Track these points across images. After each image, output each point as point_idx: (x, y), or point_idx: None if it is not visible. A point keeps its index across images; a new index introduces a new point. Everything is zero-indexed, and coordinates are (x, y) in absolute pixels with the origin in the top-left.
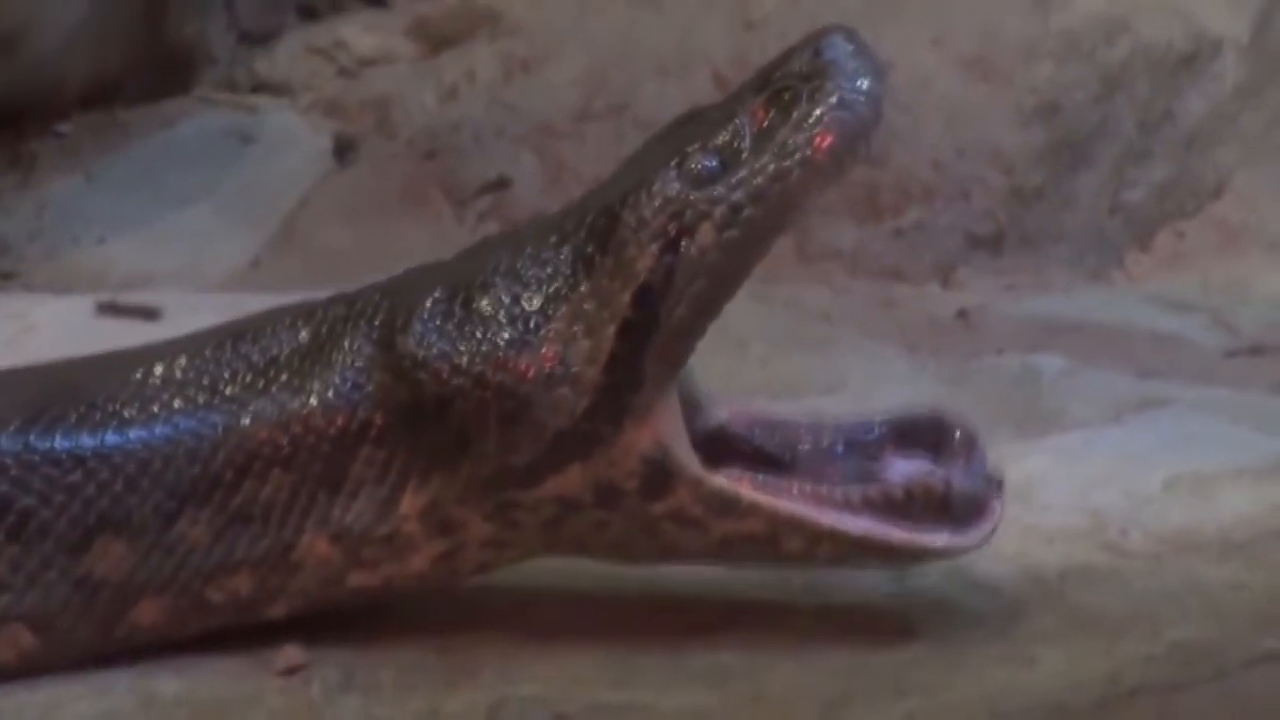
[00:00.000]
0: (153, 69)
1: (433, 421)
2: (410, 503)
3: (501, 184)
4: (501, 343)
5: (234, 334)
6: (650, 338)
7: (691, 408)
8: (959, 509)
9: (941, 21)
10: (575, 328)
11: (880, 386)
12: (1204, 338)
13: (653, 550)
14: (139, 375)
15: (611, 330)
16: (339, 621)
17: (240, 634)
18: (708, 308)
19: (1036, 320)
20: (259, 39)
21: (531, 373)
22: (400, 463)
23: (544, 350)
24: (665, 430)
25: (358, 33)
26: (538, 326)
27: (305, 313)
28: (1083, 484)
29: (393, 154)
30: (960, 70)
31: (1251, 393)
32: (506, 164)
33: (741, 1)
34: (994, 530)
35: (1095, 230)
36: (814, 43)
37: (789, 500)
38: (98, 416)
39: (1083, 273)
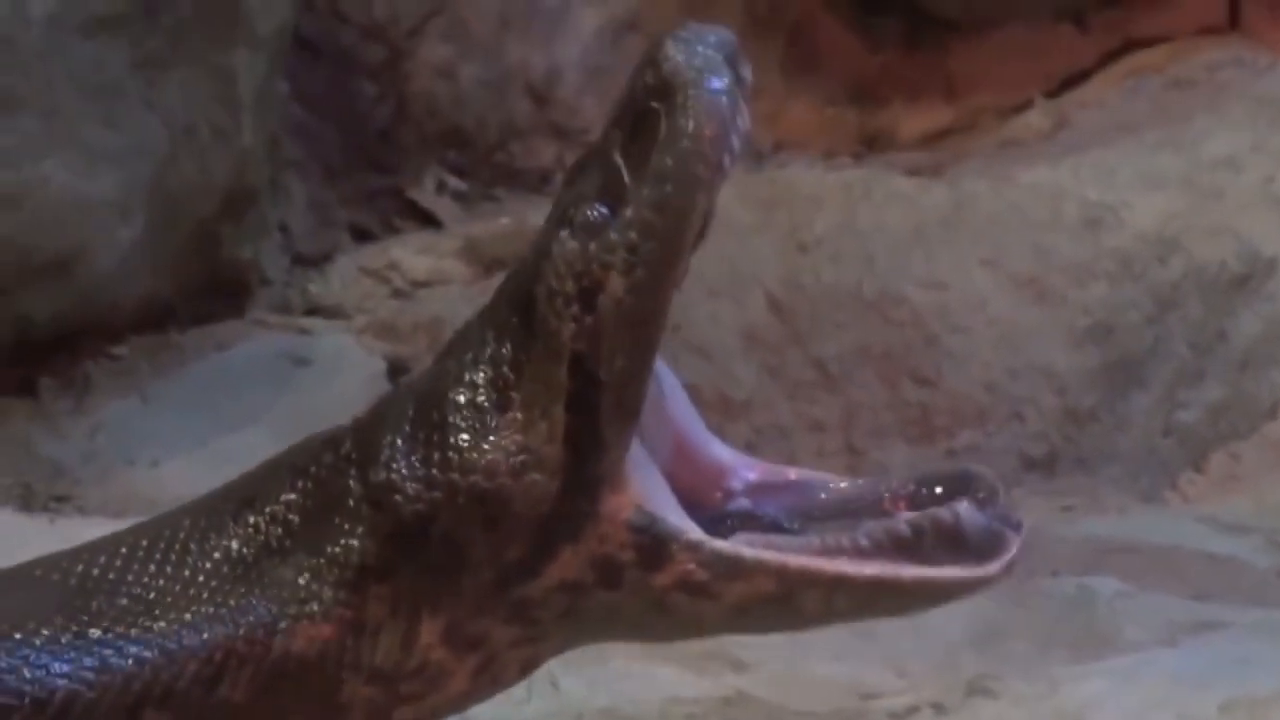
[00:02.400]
0: (207, 292)
1: (421, 543)
2: (429, 630)
3: None
4: (464, 448)
5: (240, 500)
6: (598, 400)
7: (716, 476)
8: (973, 542)
9: (994, 242)
10: (529, 414)
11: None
12: (1259, 560)
13: (675, 628)
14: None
15: (560, 407)
16: None
17: None
18: (641, 352)
19: (1091, 541)
20: (312, 261)
21: (499, 468)
22: (407, 592)
23: (505, 444)
24: (646, 495)
25: (410, 255)
26: (494, 424)
27: (296, 468)
28: (1138, 707)
29: None
30: (1013, 291)
31: None
32: None
33: (793, 224)
34: (1013, 564)
35: (1149, 451)
36: (653, 59)
37: (794, 555)
38: (136, 592)
39: (1137, 494)
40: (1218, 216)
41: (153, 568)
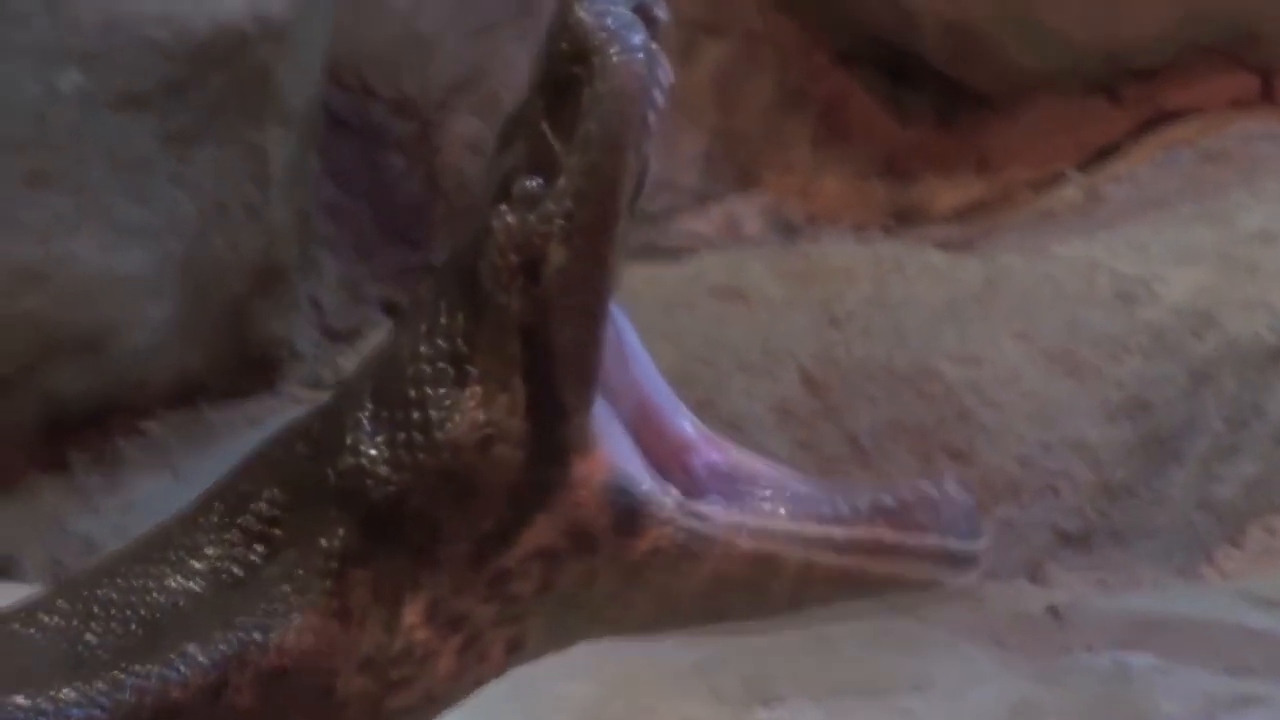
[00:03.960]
0: (238, 367)
1: (395, 524)
2: (412, 610)
3: None
4: (428, 426)
5: (223, 507)
6: (554, 369)
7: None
8: (958, 518)
9: (1027, 316)
10: (487, 388)
11: (970, 685)
12: None
13: (650, 605)
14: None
15: (518, 379)
16: None
17: None
18: (590, 319)
19: (1127, 616)
20: (344, 336)
21: (465, 444)
22: (387, 574)
23: (468, 419)
24: (618, 457)
25: None
26: (455, 399)
27: (272, 462)
28: None
29: None
30: (1046, 365)
31: None
32: None
33: (825, 298)
34: (986, 553)
35: (1184, 526)
36: (565, 23)
37: (772, 519)
38: (139, 614)
39: (1172, 569)
40: (1252, 290)
41: (151, 586)
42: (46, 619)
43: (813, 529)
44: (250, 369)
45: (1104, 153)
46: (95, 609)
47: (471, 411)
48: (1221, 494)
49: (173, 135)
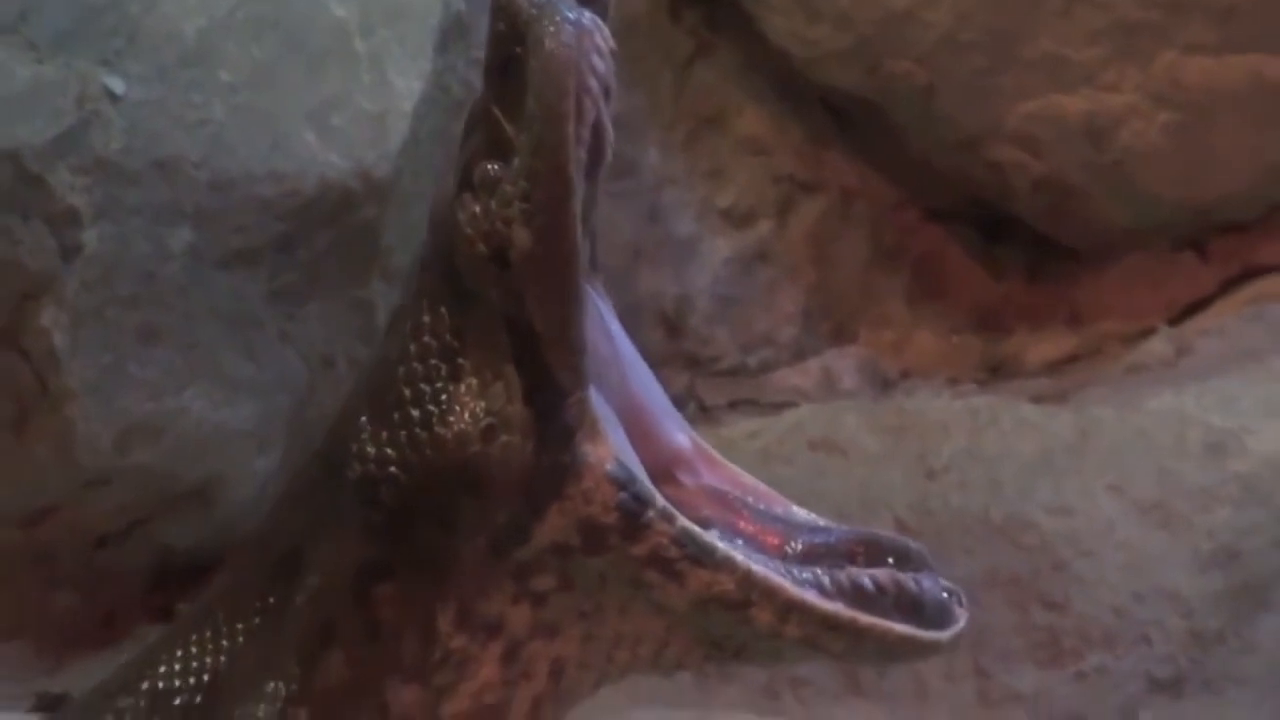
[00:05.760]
0: None
1: (411, 528)
2: (444, 618)
3: None
4: (432, 424)
5: (266, 555)
6: (542, 351)
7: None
8: (929, 611)
9: (1120, 468)
10: (482, 378)
11: None
12: None
13: (653, 614)
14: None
15: (510, 366)
16: None
17: None
18: (565, 294)
19: None
20: None
21: (470, 437)
22: (411, 583)
23: (469, 412)
24: (622, 450)
25: None
26: (453, 394)
27: (298, 497)
28: None
29: None
30: (1139, 516)
31: None
32: None
33: (921, 450)
34: (959, 636)
35: (1276, 674)
36: (499, 5)
37: (760, 566)
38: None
39: (1264, 716)
40: None
41: (210, 649)
42: (117, 700)
43: (792, 590)
44: None
45: (1193, 307)
46: (156, 685)
47: (470, 403)
48: None
49: (280, 292)
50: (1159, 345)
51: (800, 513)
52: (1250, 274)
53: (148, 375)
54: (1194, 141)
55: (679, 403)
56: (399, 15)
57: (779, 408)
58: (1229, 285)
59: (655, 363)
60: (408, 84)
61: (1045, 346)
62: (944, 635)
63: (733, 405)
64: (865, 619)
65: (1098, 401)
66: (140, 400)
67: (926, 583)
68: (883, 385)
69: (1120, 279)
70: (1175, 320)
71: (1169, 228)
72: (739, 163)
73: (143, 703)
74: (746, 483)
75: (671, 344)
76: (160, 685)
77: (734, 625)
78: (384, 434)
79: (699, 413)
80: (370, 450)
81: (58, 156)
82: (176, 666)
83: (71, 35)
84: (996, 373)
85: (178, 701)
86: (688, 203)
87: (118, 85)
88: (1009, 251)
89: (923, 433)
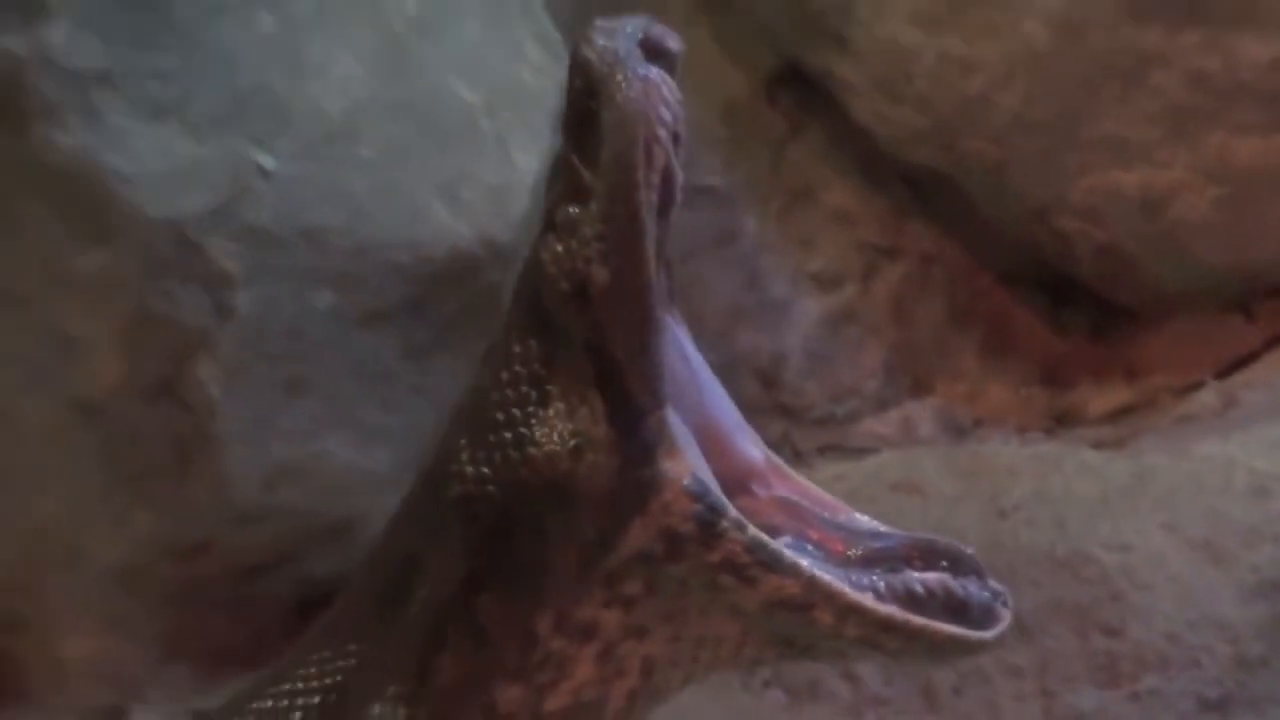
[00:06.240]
0: None
1: (507, 543)
2: (543, 623)
3: None
4: (524, 445)
5: (373, 563)
6: (622, 376)
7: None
8: (974, 613)
9: (1172, 509)
10: (569, 403)
11: None
12: None
13: (727, 616)
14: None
15: (593, 390)
16: None
17: None
18: (642, 324)
19: None
20: None
21: (560, 456)
22: (510, 592)
23: (558, 433)
24: (698, 465)
25: None
26: (541, 419)
27: (414, 516)
28: None
29: None
30: (1189, 552)
31: None
32: None
33: (993, 493)
34: (1003, 635)
35: None
36: (575, 63)
37: (823, 573)
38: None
39: None
40: None
41: (339, 655)
42: (265, 701)
43: (851, 594)
44: None
45: (1239, 363)
46: (296, 687)
47: (559, 425)
48: None
49: (412, 349)
50: (1208, 397)
51: (863, 520)
52: None
53: (294, 424)
54: (1240, 214)
55: (775, 448)
56: (520, 99)
57: (863, 453)
58: (1272, 343)
59: (752, 412)
60: (528, 160)
61: (1105, 398)
62: (988, 635)
63: (822, 451)
64: (917, 621)
65: (1152, 448)
66: (287, 446)
67: (972, 587)
68: (957, 433)
69: (1173, 337)
70: (1222, 375)
71: (1217, 291)
72: (828, 232)
73: (284, 703)
74: (814, 493)
75: (767, 396)
76: (300, 686)
77: (799, 626)
78: (480, 455)
79: (793, 457)
80: (469, 470)
81: (214, 226)
82: (312, 670)
83: (226, 117)
84: (1061, 422)
85: (316, 700)
86: (782, 268)
87: (268, 162)
88: (1072, 312)
89: (994, 476)
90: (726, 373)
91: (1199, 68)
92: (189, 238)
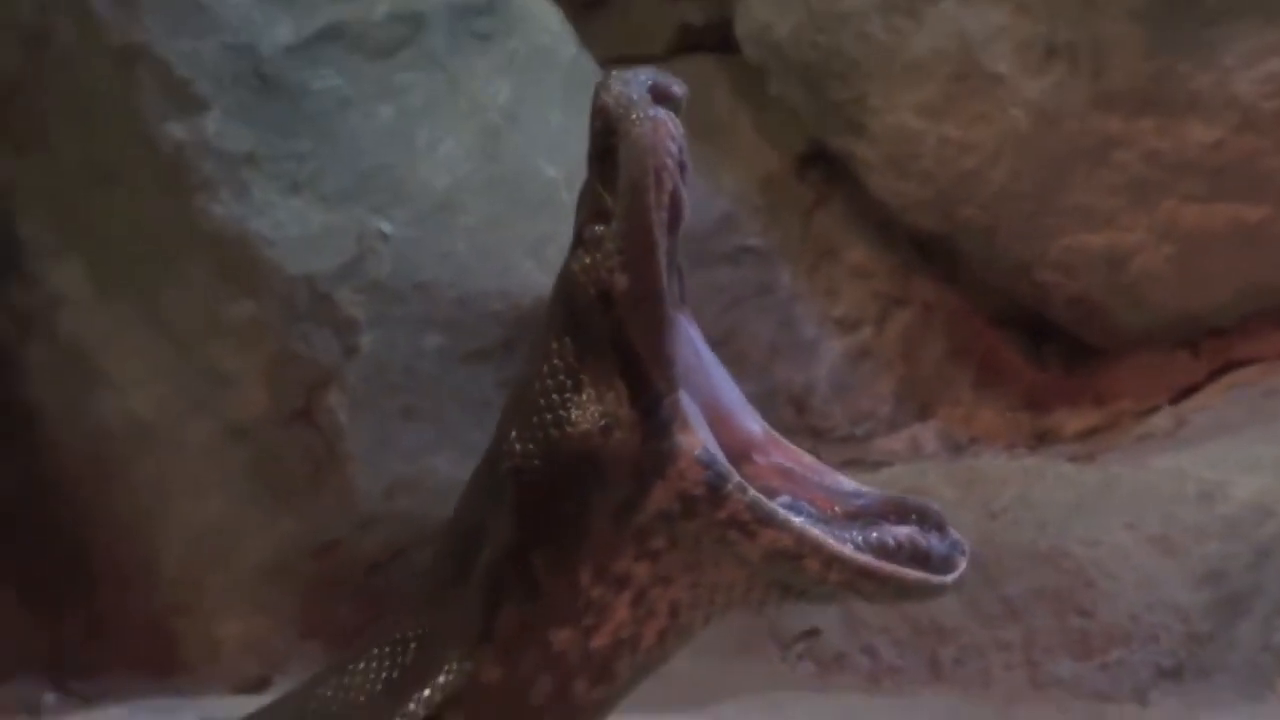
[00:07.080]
0: None
1: (553, 507)
2: (585, 575)
3: (812, 632)
4: (563, 425)
5: (445, 537)
6: (643, 365)
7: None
8: (935, 561)
9: (1134, 511)
10: (599, 389)
11: None
12: None
13: (735, 565)
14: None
15: (619, 378)
16: None
17: None
18: (656, 323)
19: None
20: None
21: (593, 434)
22: (559, 549)
23: (590, 415)
24: (707, 438)
25: None
26: (576, 403)
27: (469, 494)
28: None
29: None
30: (1148, 546)
31: None
32: (818, 618)
33: (985, 499)
34: (961, 579)
35: (1252, 664)
36: (596, 107)
37: (812, 528)
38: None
39: (1245, 695)
40: None
41: (425, 610)
42: (371, 649)
43: (834, 546)
44: None
45: (1188, 391)
46: (394, 636)
47: (590, 408)
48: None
49: (506, 381)
50: (1163, 420)
51: (846, 482)
52: (1232, 366)
53: (408, 444)
54: (1188, 268)
55: None
56: None
57: (879, 466)
58: (1215, 375)
59: (786, 432)
60: None
61: (1077, 421)
62: (948, 579)
63: (844, 465)
64: (888, 568)
65: (1117, 461)
66: (402, 463)
67: (934, 539)
68: (956, 449)
69: (1133, 370)
70: (1175, 401)
71: (1170, 332)
72: (848, 284)
73: (388, 648)
74: (806, 460)
75: (800, 419)
76: (397, 636)
77: (793, 573)
78: (527, 435)
79: None
80: (518, 448)
81: (342, 281)
82: (405, 625)
83: (352, 191)
84: (1041, 440)
85: (413, 646)
86: (811, 314)
87: (387, 228)
88: (1050, 349)
89: (986, 485)
90: (765, 400)
91: (1154, 148)
92: (321, 290)
